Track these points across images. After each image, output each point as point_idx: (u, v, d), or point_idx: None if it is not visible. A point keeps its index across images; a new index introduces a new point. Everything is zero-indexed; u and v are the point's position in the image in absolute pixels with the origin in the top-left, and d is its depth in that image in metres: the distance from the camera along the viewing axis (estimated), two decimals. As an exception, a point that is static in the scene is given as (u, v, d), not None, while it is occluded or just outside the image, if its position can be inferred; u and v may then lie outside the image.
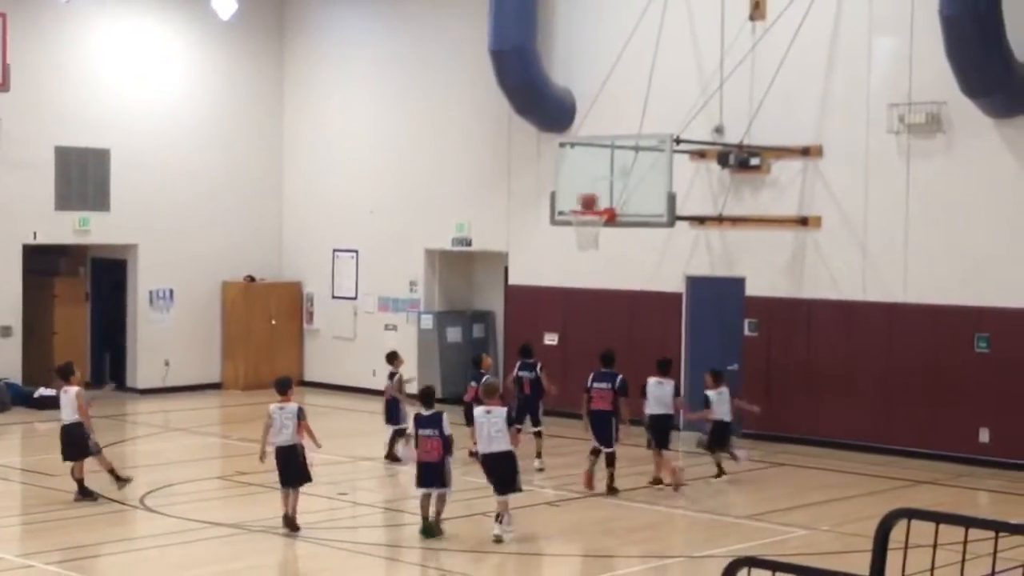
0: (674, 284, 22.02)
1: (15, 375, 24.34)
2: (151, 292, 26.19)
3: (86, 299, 26.66)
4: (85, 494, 15.84)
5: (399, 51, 25.93)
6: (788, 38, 20.18)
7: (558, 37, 23.29)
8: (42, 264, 25.60)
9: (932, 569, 4.94)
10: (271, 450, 14.73)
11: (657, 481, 17.19)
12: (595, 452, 16.94)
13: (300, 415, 14.67)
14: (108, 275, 26.55)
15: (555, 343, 23.23)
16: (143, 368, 26.18)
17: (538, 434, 18.60)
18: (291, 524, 14.44)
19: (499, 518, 14.25)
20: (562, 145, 20.01)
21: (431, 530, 14.23)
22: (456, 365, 24.68)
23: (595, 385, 16.99)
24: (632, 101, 20.73)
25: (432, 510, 14.29)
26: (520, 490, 14.56)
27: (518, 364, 19.18)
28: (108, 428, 22.37)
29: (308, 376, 27.21)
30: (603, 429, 16.81)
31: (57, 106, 24.75)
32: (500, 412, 14.23)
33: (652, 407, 17.27)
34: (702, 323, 21.84)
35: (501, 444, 14.13)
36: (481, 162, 24.66)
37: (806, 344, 20.66)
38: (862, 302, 20.08)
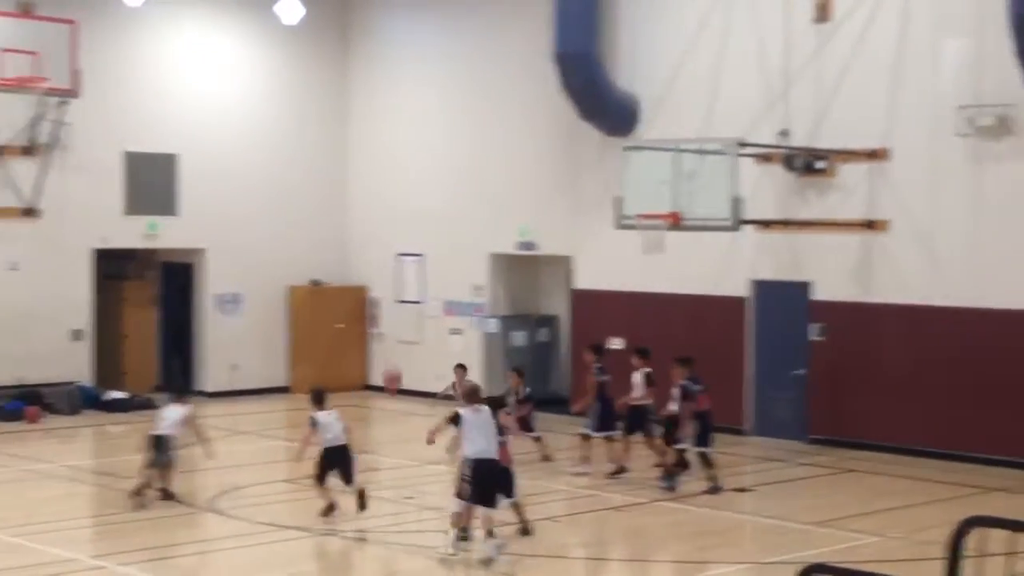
0: (739, 288, 21.94)
1: (86, 378, 24.66)
2: (218, 296, 26.45)
3: (155, 303, 26.96)
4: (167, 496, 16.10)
5: (463, 56, 26.02)
6: (854, 40, 20.06)
7: (622, 41, 23.27)
8: (112, 268, 25.93)
9: (1007, 578, 4.93)
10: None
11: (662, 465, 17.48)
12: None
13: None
14: (176, 279, 26.84)
15: (620, 347, 23.20)
16: (211, 371, 26.44)
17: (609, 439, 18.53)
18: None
19: (490, 534, 13.41)
20: (626, 149, 20.02)
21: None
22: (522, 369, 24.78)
23: (695, 387, 17.10)
24: (696, 104, 20.69)
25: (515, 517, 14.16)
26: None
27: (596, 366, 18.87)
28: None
29: (373, 380, 27.35)
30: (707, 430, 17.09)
31: (126, 112, 25.06)
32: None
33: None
34: (768, 328, 21.75)
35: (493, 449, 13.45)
36: (546, 167, 24.70)
37: (874, 349, 20.51)
38: (930, 307, 19.91)
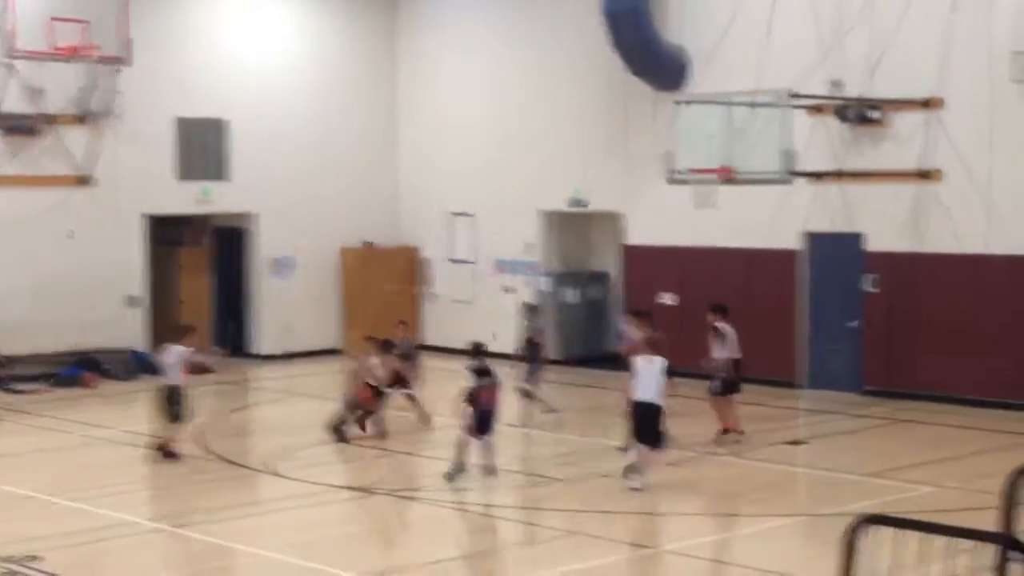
0: (792, 241, 21.75)
1: (140, 344, 24.82)
2: (272, 259, 26.52)
3: (209, 268, 27.09)
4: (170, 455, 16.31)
5: (511, 15, 25.88)
6: (906, -12, 19.75)
7: (671, -5, 23.04)
8: (166, 234, 26.06)
9: (1063, 525, 4.83)
10: None
11: (726, 431, 17.16)
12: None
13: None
14: (230, 244, 26.95)
15: (673, 303, 23.10)
16: (264, 335, 26.56)
17: None
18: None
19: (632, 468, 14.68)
20: (677, 103, 19.90)
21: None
22: (574, 326, 24.75)
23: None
24: (747, 57, 20.49)
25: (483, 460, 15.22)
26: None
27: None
28: (232, 394, 22.81)
29: (429, 340, 27.37)
30: None
31: (176, 79, 25.11)
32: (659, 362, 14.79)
33: (734, 352, 17.30)
34: (822, 280, 21.57)
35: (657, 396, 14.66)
36: (596, 123, 24.56)
37: (928, 299, 20.31)
38: (986, 255, 19.67)
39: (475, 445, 15.27)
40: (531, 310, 20.24)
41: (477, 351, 15.90)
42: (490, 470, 15.32)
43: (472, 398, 15.20)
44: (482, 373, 15.36)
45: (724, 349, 17.26)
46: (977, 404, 19.50)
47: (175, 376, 16.43)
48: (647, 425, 14.68)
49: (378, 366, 17.89)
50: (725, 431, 17.24)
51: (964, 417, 18.99)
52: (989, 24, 19.46)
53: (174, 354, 16.53)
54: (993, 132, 19.52)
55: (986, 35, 19.47)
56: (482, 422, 15.19)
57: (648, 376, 14.75)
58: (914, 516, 5.22)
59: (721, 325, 17.38)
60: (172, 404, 16.35)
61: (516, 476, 15.75)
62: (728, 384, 17.33)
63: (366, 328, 26.55)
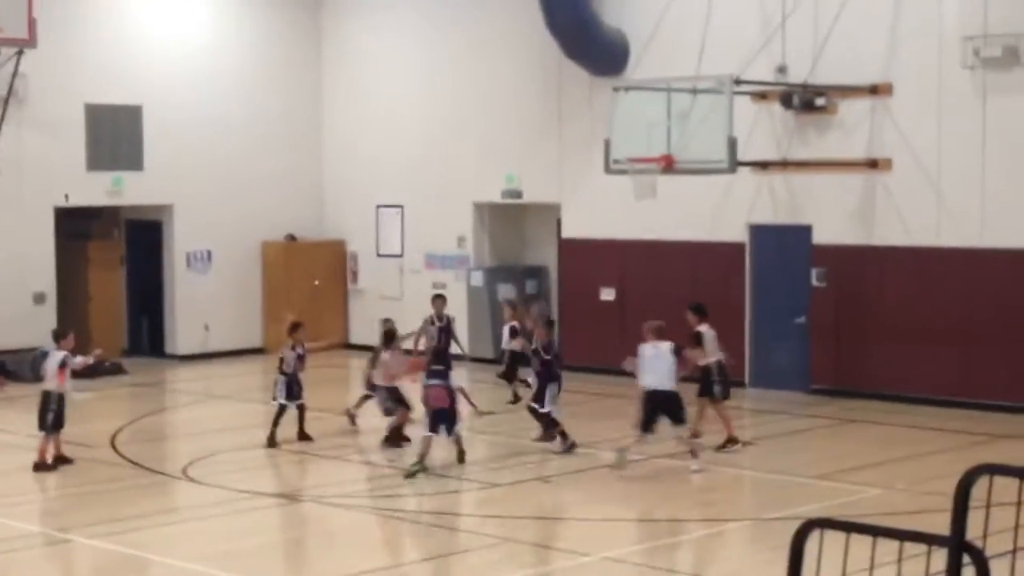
0: (737, 233, 21.89)
1: (50, 343, 24.49)
2: (188, 254, 26.34)
3: (122, 263, 26.86)
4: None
5: (441, -6, 25.85)
6: (853, -31, 19.91)
7: (609, -25, 23.12)
8: (75, 227, 25.79)
9: (1016, 528, 4.89)
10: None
11: (732, 441, 17.08)
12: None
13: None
14: (144, 237, 26.72)
15: (612, 299, 23.18)
16: (182, 333, 26.37)
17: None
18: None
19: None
20: (616, 89, 19.91)
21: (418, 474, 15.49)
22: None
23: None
24: (689, 41, 20.56)
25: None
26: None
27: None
28: (147, 396, 22.63)
29: (354, 339, 27.29)
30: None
31: (86, 62, 24.85)
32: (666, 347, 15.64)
33: (714, 353, 17.05)
34: (767, 274, 21.73)
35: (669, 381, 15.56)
36: (530, 110, 24.58)
37: (878, 294, 20.51)
38: (937, 248, 19.89)
39: (439, 441, 15.94)
40: (548, 324, 18.47)
41: (438, 355, 16.48)
42: (460, 457, 16.07)
43: (424, 397, 15.93)
44: (433, 375, 15.89)
45: (709, 354, 16.91)
46: (928, 403, 19.72)
47: (52, 381, 16.31)
48: (669, 409, 15.57)
49: (391, 361, 17.57)
50: (732, 440, 16.99)
51: (915, 416, 19.19)
52: (939, 7, 19.68)
53: (54, 358, 16.42)
54: (943, 120, 19.72)
55: (936, 19, 19.69)
56: (435, 420, 15.77)
57: (657, 362, 15.57)
58: (864, 519, 5.27)
59: (704, 329, 16.97)
60: (46, 410, 16.23)
61: (450, 481, 15.74)
62: (725, 388, 17.07)
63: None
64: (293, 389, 17.57)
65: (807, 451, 17.59)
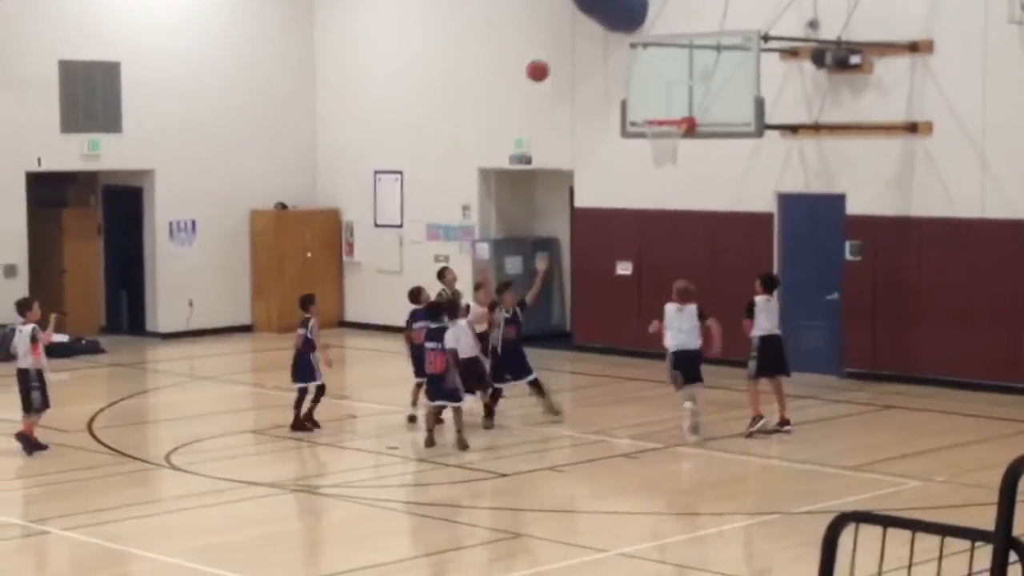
0: (764, 203, 21.88)
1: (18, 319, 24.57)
2: (171, 224, 26.37)
3: (99, 233, 26.90)
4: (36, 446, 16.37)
5: (445, -57, 25.82)
6: (892, -84, 19.87)
7: (626, -78, 23.06)
8: (48, 194, 25.82)
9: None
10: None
11: (785, 422, 17.24)
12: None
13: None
14: (122, 205, 26.75)
15: (628, 273, 23.19)
16: (164, 310, 26.42)
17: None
18: None
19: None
20: (633, 46, 19.89)
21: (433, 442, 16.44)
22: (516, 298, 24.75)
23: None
24: (713, -7, 20.51)
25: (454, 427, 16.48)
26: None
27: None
28: (127, 377, 22.70)
29: (350, 315, 27.34)
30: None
31: (59, 15, 24.84)
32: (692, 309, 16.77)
33: (764, 327, 17.26)
34: (796, 247, 21.72)
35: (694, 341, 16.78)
36: (541, 68, 24.52)
37: (916, 269, 20.50)
38: (980, 219, 19.87)
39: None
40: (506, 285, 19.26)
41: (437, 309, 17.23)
42: (460, 444, 16.36)
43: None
44: (432, 336, 16.72)
45: (759, 326, 17.23)
46: (972, 387, 19.72)
47: (25, 358, 16.40)
48: (689, 368, 16.73)
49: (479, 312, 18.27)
50: (759, 417, 17.21)
51: (957, 402, 19.20)
52: (985, -42, 19.62)
53: (23, 333, 16.49)
54: (988, 80, 19.69)
55: (982, -30, 19.64)
56: (430, 386, 16.64)
57: (681, 322, 16.76)
58: (901, 513, 5.29)
59: (759, 299, 17.34)
60: (28, 389, 16.36)
61: (455, 471, 15.78)
62: (770, 364, 17.37)
63: (280, 302, 26.56)
64: (303, 371, 17.53)
65: (840, 439, 17.61)
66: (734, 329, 17.28)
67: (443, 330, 16.57)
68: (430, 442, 16.46)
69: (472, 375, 16.96)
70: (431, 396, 16.65)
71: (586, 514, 14.11)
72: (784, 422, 17.26)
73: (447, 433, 16.70)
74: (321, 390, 17.52)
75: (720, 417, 17.78)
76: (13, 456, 16.45)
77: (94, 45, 25.27)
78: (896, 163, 20.60)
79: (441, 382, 16.40)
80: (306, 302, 17.97)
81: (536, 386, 17.94)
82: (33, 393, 16.34)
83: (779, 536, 13.28)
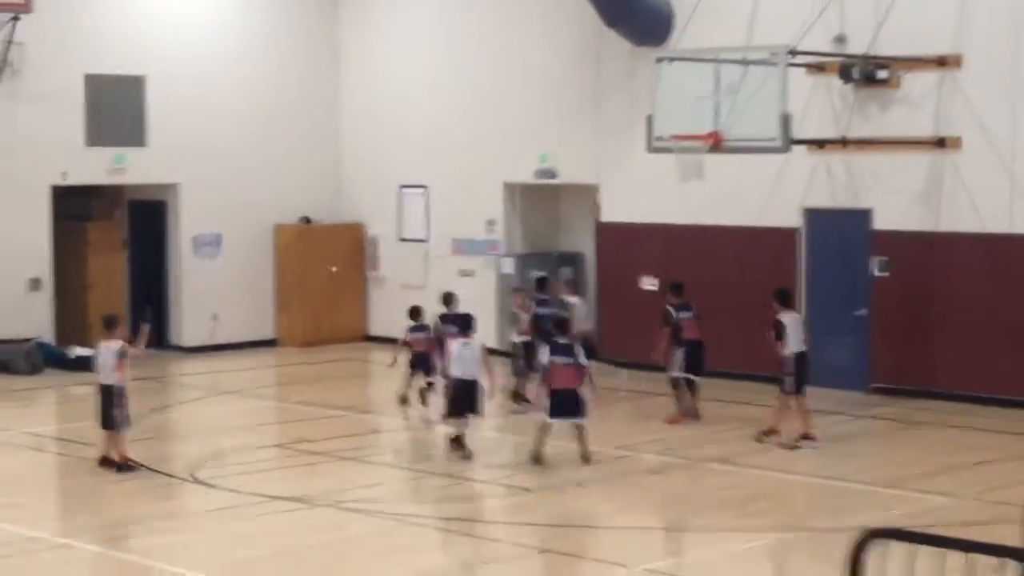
0: (790, 218, 21.88)
1: (47, 333, 24.73)
2: (195, 238, 26.46)
3: (123, 247, 26.99)
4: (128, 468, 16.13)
5: (470, -43, 25.89)
6: (920, -70, 19.88)
7: (652, -64, 23.09)
8: (73, 208, 25.93)
9: (1096, 540, 4.91)
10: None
11: (807, 437, 17.35)
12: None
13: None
14: (147, 219, 26.85)
15: (654, 288, 23.19)
16: (188, 324, 26.51)
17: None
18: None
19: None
20: (659, 60, 19.91)
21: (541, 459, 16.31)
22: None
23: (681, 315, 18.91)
24: (739, 8, 20.55)
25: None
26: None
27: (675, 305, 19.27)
28: (151, 392, 22.74)
29: (374, 330, 27.38)
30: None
31: (85, 30, 24.97)
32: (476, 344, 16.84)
33: (794, 345, 17.53)
34: (823, 263, 21.71)
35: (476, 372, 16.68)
36: (566, 82, 24.59)
37: (945, 285, 20.47)
38: (1010, 235, 19.84)
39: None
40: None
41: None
42: (585, 458, 16.37)
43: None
44: (561, 351, 16.58)
45: (790, 345, 17.58)
46: (1000, 403, 19.68)
47: (112, 375, 16.28)
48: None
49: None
50: (770, 432, 17.57)
51: (985, 419, 19.15)
52: (1014, -28, 19.61)
53: (109, 350, 16.34)
54: (1017, 95, 19.67)
55: (1010, -16, 19.63)
56: (555, 401, 16.34)
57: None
58: (928, 530, 5.30)
59: (785, 318, 17.76)
60: (110, 407, 16.17)
61: (478, 485, 15.79)
62: (798, 381, 17.64)
63: (304, 317, 26.62)
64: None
65: (866, 456, 17.58)
66: (759, 343, 17.30)
67: (571, 346, 16.46)
68: (458, 447, 16.72)
69: (470, 399, 16.72)
70: (555, 411, 16.25)
71: (611, 529, 14.11)
72: (808, 437, 17.26)
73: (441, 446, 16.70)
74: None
75: (744, 433, 17.77)
76: (37, 469, 16.52)
77: (120, 59, 25.40)
78: (923, 178, 20.58)
79: (571, 397, 16.23)
80: (415, 313, 20.29)
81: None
82: (114, 411, 16.17)
83: (805, 553, 13.27)
